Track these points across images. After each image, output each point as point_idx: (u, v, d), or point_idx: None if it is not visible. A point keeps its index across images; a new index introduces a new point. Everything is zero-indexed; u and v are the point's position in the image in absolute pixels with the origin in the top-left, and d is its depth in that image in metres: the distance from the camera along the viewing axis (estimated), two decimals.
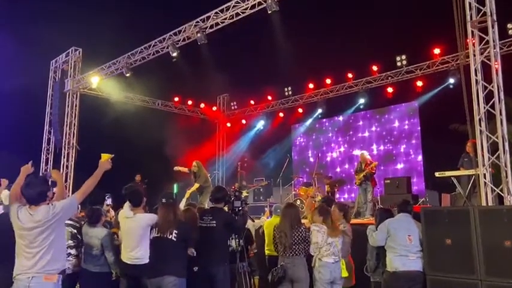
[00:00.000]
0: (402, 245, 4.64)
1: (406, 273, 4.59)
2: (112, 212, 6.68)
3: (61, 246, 3.46)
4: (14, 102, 13.80)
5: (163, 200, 4.48)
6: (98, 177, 3.72)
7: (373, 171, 9.39)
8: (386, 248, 4.82)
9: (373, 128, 14.37)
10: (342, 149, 15.05)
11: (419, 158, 13.14)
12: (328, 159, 15.27)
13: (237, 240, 5.03)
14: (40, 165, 14.26)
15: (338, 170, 14.93)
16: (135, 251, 4.53)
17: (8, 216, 3.97)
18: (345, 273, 5.07)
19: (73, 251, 4.88)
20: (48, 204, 3.38)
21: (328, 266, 4.81)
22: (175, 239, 4.26)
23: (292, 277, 4.95)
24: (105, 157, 3.85)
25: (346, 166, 14.69)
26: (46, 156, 14.40)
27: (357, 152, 13.80)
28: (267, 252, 6.16)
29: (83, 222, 5.14)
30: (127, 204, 4.79)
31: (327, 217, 5.04)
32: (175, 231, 4.28)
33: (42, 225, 3.30)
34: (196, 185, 9.47)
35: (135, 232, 4.54)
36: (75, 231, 4.95)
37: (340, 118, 15.21)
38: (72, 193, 11.19)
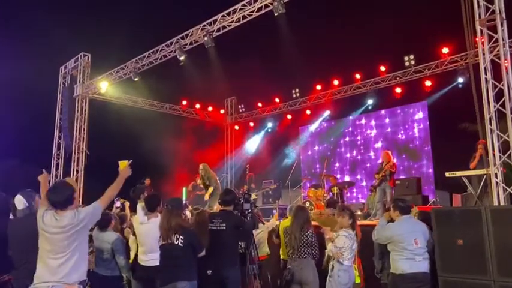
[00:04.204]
0: (408, 250, 4.54)
1: (414, 275, 4.50)
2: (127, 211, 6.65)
3: (83, 254, 3.45)
4: (24, 108, 13.97)
5: (168, 207, 4.48)
6: (119, 185, 3.73)
7: (393, 170, 9.12)
8: (390, 250, 4.72)
9: (382, 129, 14.29)
10: (349, 148, 14.98)
11: (429, 158, 13.02)
12: (337, 160, 15.21)
13: (246, 242, 5.03)
14: (50, 170, 14.39)
15: (345, 172, 14.86)
16: (153, 253, 4.60)
17: (20, 220, 4.04)
18: (357, 279, 5.02)
19: None
20: (73, 209, 3.38)
21: (349, 270, 4.75)
22: (182, 245, 4.26)
23: (300, 280, 4.93)
24: (124, 164, 3.84)
25: (351, 172, 14.64)
26: (56, 161, 14.54)
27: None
28: (281, 256, 6.03)
29: (92, 226, 5.18)
30: (140, 209, 4.83)
31: (355, 222, 4.97)
32: (181, 237, 4.28)
33: (67, 231, 3.30)
34: (211, 189, 9.58)
35: (151, 236, 4.59)
36: None
37: (349, 119, 15.14)
38: (83, 198, 11.32)
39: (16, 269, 3.96)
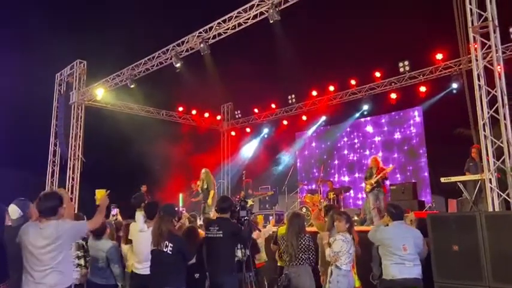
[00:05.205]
0: (397, 255, 4.53)
1: (404, 280, 4.48)
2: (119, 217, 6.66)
3: (69, 266, 3.55)
4: (20, 115, 13.94)
5: (160, 213, 4.49)
6: (103, 213, 3.87)
7: (386, 177, 9.15)
8: (381, 255, 4.74)
9: (377, 134, 14.34)
10: (346, 153, 15.02)
11: (425, 163, 13.08)
12: (334, 164, 15.24)
13: (243, 250, 5.03)
14: (46, 177, 14.34)
15: (343, 176, 14.90)
16: (149, 261, 4.56)
17: (15, 229, 4.04)
18: (357, 283, 5.01)
19: (81, 261, 4.92)
20: (58, 220, 3.48)
21: (348, 274, 4.73)
22: (170, 252, 4.27)
23: (297, 287, 4.92)
24: (101, 193, 4.04)
25: (349, 176, 14.68)
26: (52, 168, 14.48)
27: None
28: (279, 263, 6.04)
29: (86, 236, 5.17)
30: (140, 217, 4.82)
31: (352, 226, 4.98)
32: (170, 244, 4.28)
33: (52, 242, 3.37)
34: (212, 192, 10.05)
35: (149, 244, 4.58)
36: (82, 241, 5.01)
37: (344, 125, 15.19)
38: (79, 206, 11.37)
39: (11, 277, 3.95)
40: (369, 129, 14.58)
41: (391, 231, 4.70)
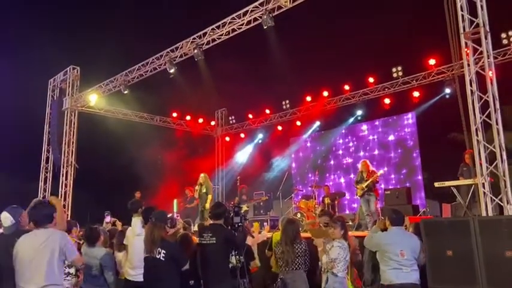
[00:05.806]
0: (394, 260, 4.49)
1: (401, 285, 4.46)
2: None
3: (60, 279, 3.53)
4: (12, 121, 13.86)
5: (152, 219, 4.47)
6: (79, 257, 3.90)
7: (377, 181, 9.13)
8: (379, 260, 4.73)
9: (371, 139, 14.40)
10: (341, 154, 15.06)
11: (419, 168, 13.14)
12: (330, 167, 15.26)
13: (237, 256, 5.00)
14: (39, 184, 14.21)
15: (338, 179, 14.93)
16: (142, 268, 4.55)
17: (7, 237, 3.99)
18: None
19: (72, 270, 4.84)
20: (54, 228, 3.51)
21: (343, 281, 4.72)
22: (163, 259, 4.25)
23: None
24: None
25: (345, 178, 14.72)
26: (45, 175, 14.34)
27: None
28: (273, 268, 6.00)
29: (82, 241, 5.12)
30: (138, 222, 4.79)
31: (347, 232, 4.97)
32: (163, 251, 4.27)
33: (44, 247, 3.37)
34: (210, 197, 10.10)
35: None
36: None
37: (338, 130, 15.24)
38: (72, 213, 11.29)
39: (1, 286, 3.90)
40: (362, 134, 14.64)
41: (389, 236, 4.68)
